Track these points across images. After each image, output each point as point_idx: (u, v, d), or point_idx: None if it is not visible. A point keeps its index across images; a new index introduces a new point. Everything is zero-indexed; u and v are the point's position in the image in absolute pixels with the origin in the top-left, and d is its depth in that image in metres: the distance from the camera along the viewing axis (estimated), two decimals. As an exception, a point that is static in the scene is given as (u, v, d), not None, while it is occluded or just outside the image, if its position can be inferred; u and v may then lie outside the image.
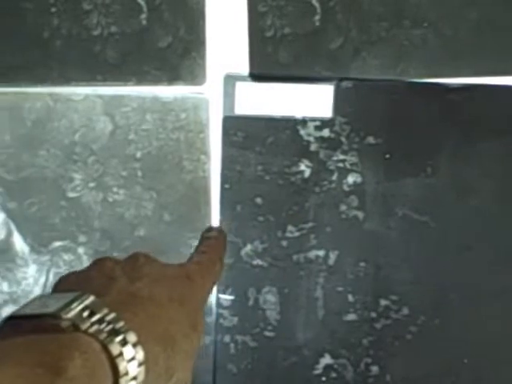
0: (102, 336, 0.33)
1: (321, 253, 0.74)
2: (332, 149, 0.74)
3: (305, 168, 0.74)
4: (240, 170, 0.74)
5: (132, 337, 0.34)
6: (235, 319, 0.75)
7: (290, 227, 0.75)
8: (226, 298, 0.75)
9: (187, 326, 0.39)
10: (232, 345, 0.74)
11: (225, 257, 0.48)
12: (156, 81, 0.72)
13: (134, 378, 0.34)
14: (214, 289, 0.74)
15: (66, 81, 0.72)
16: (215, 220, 0.74)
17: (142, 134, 0.73)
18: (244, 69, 0.73)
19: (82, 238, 0.74)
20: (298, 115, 0.74)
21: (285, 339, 0.74)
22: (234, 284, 0.75)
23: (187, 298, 0.40)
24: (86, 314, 0.34)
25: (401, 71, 0.73)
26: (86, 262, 0.74)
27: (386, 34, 0.73)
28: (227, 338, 0.75)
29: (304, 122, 0.74)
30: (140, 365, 0.34)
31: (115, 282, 0.38)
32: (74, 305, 0.34)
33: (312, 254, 0.74)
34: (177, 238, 0.74)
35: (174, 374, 0.37)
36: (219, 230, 0.51)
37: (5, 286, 0.73)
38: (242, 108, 0.74)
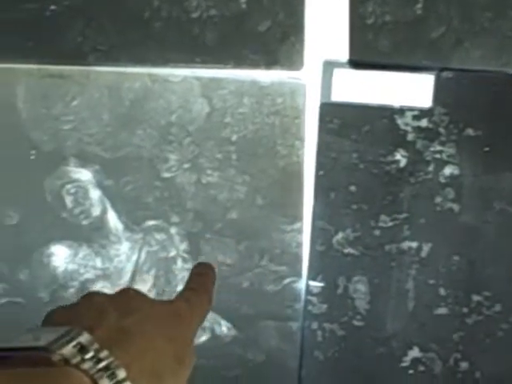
0: (93, 371, 0.33)
1: (414, 244, 0.73)
2: (429, 139, 0.72)
3: (400, 158, 0.73)
4: (335, 157, 0.73)
5: (121, 372, 0.34)
6: (324, 306, 0.75)
7: (383, 217, 0.74)
8: (316, 284, 0.74)
9: (174, 361, 0.39)
10: (319, 332, 0.74)
11: (213, 292, 0.48)
12: (254, 65, 0.72)
13: None
14: (304, 275, 0.74)
15: (164, 62, 0.72)
16: (308, 206, 0.74)
17: (238, 117, 0.72)
18: (343, 55, 0.72)
19: (174, 219, 0.74)
20: (396, 104, 0.73)
21: (373, 329, 0.74)
22: (324, 271, 0.74)
23: (176, 334, 0.40)
24: (76, 348, 0.35)
25: (504, 63, 0.71)
26: (177, 243, 0.75)
27: (489, 24, 0.71)
28: (315, 325, 0.75)
29: (402, 111, 0.73)
30: None
31: (106, 317, 0.38)
32: (65, 339, 0.34)
33: (405, 244, 0.73)
34: (268, 222, 0.74)
35: None
36: (208, 266, 0.50)
37: (98, 262, 0.75)
38: (340, 95, 0.73)
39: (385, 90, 0.73)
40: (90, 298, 0.41)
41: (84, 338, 0.35)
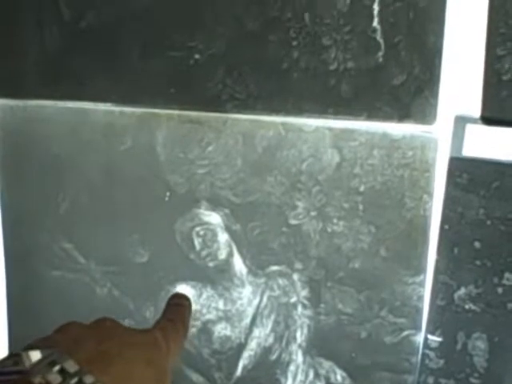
0: None
1: (536, 303, 0.72)
2: (560, 199, 0.72)
3: (528, 215, 0.73)
4: (461, 211, 0.73)
5: None
6: (441, 362, 0.74)
7: (507, 274, 0.73)
8: (435, 339, 0.74)
9: None
10: (437, 387, 0.74)
11: (189, 322, 0.49)
12: (386, 117, 0.72)
13: None
14: (423, 328, 0.73)
15: (298, 112, 0.73)
16: (431, 260, 0.74)
17: (368, 168, 0.73)
18: (476, 111, 0.72)
19: (297, 265, 0.75)
20: (527, 162, 0.72)
21: (493, 388, 0.73)
22: (443, 326, 0.74)
23: (154, 360, 0.40)
24: (56, 370, 0.35)
25: None
26: (299, 289, 0.75)
27: None
28: (431, 380, 0.74)
29: (532, 168, 0.72)
30: None
31: (83, 343, 0.38)
32: (46, 361, 0.35)
33: (527, 303, 0.73)
34: (390, 273, 0.74)
35: None
36: (184, 297, 0.51)
37: (220, 304, 0.76)
38: (470, 150, 0.73)
39: (516, 147, 0.72)
40: (66, 328, 0.41)
41: (66, 362, 0.35)
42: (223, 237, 0.74)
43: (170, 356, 0.43)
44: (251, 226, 0.74)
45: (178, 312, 0.49)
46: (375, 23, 0.71)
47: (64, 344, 0.38)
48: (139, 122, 0.76)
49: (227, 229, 0.74)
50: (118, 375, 0.37)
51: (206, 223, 0.75)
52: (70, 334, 0.40)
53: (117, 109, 0.76)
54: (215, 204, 0.75)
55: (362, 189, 0.73)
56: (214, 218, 0.74)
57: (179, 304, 0.50)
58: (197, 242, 0.75)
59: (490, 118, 0.73)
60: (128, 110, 0.76)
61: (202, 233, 0.75)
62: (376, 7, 0.71)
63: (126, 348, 0.39)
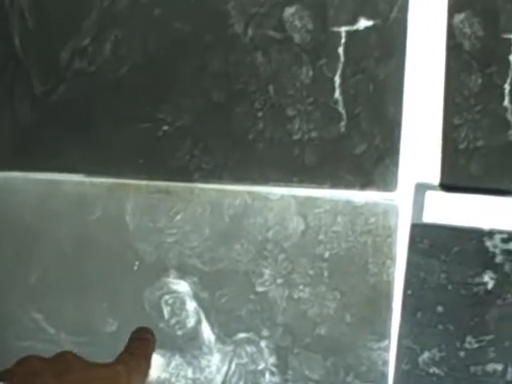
0: None
1: (499, 367, 0.74)
2: (518, 262, 0.74)
3: (488, 280, 0.74)
4: (423, 276, 0.75)
5: None
6: (409, 424, 0.75)
7: (469, 338, 0.75)
8: (402, 403, 0.75)
9: None
10: None
11: (152, 356, 0.48)
12: (349, 185, 0.75)
13: None
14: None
15: (264, 180, 0.75)
16: (395, 324, 0.75)
17: (332, 235, 0.75)
18: (435, 178, 0.75)
19: (265, 332, 0.76)
20: (486, 227, 0.75)
21: None
22: (409, 390, 0.75)
23: None
24: None
25: None
26: (266, 356, 0.76)
27: None
28: None
29: (491, 233, 0.75)
30: None
31: (41, 376, 0.38)
32: None
33: (490, 367, 0.74)
34: (356, 339, 0.75)
35: None
36: (148, 330, 0.50)
37: (189, 372, 0.76)
38: (430, 216, 0.75)
39: (475, 212, 0.75)
40: (25, 360, 0.41)
41: None
42: (191, 305, 0.75)
43: None
44: (219, 293, 0.75)
45: (141, 346, 0.48)
46: (337, 94, 0.74)
47: (21, 376, 0.38)
48: (109, 192, 0.78)
49: (195, 297, 0.75)
50: None
51: (175, 291, 0.76)
52: (28, 366, 0.39)
53: (87, 179, 0.78)
54: (183, 272, 0.76)
55: (326, 255, 0.75)
56: (182, 287, 0.75)
57: (142, 338, 0.49)
58: (165, 310, 0.76)
59: (448, 184, 0.75)
60: (98, 180, 0.78)
61: (170, 301, 0.75)
62: (337, 79, 0.74)
63: (85, 382, 0.39)
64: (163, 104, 0.77)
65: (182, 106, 0.76)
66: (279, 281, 0.75)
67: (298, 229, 0.75)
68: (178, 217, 0.76)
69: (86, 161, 0.79)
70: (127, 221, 0.77)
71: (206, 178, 0.75)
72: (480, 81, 0.74)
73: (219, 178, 0.75)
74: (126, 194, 0.76)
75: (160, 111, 0.77)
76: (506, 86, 0.74)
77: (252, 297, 0.75)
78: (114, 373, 0.42)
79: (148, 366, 0.47)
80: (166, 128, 0.76)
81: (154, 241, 0.76)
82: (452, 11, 0.74)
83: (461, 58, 0.73)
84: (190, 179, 0.75)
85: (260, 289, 0.75)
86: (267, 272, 0.75)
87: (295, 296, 0.75)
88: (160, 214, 0.76)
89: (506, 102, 0.74)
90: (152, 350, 0.48)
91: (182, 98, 0.76)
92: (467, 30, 0.73)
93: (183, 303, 0.75)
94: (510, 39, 0.73)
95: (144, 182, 0.76)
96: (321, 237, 0.75)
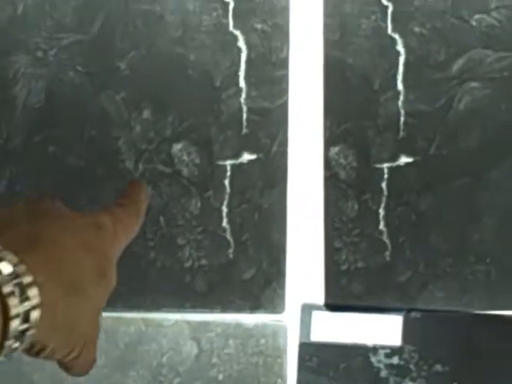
0: None
1: None
2: (401, 376, 0.78)
3: None
4: (315, 391, 0.78)
5: (27, 277, 0.31)
6: None
7: None
8: None
9: (95, 272, 0.37)
10: None
11: (144, 208, 0.44)
12: (239, 309, 0.78)
13: (27, 321, 0.31)
14: None
15: (157, 307, 0.79)
16: None
17: (225, 357, 0.78)
18: (320, 299, 0.79)
19: None
20: (370, 343, 0.79)
21: None
22: None
23: (95, 244, 0.37)
24: None
25: (465, 303, 0.79)
26: None
27: (450, 269, 0.79)
28: None
29: (375, 349, 0.79)
30: (35, 308, 0.32)
31: (14, 224, 0.35)
32: None
33: None
34: None
35: (75, 327, 0.35)
36: (140, 183, 0.45)
37: None
38: (318, 335, 0.79)
39: (359, 330, 0.79)
40: (6, 207, 0.37)
41: None
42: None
43: (117, 242, 0.40)
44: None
45: (131, 196, 0.43)
46: (225, 223, 0.79)
47: None
48: None
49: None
50: (47, 259, 0.34)
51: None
52: (5, 212, 0.36)
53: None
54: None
55: (220, 377, 0.78)
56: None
57: (134, 187, 0.44)
58: None
59: (332, 304, 0.80)
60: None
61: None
62: (225, 209, 0.79)
63: (60, 232, 0.36)
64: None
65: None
66: (174, 409, 0.78)
67: (191, 353, 0.78)
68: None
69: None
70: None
71: (99, 308, 0.78)
72: (356, 207, 0.79)
73: (113, 306, 0.78)
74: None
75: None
76: (381, 211, 0.79)
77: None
78: (97, 220, 0.39)
79: (138, 215, 0.42)
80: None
81: (49, 372, 0.78)
82: (327, 144, 0.79)
83: (337, 187, 0.79)
84: (84, 310, 0.78)
85: (156, 413, 0.78)
86: (161, 395, 0.78)
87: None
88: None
89: (382, 226, 0.79)
90: (145, 201, 0.44)
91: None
92: (342, 161, 0.79)
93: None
94: (382, 168, 0.79)
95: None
96: (214, 360, 0.78)
